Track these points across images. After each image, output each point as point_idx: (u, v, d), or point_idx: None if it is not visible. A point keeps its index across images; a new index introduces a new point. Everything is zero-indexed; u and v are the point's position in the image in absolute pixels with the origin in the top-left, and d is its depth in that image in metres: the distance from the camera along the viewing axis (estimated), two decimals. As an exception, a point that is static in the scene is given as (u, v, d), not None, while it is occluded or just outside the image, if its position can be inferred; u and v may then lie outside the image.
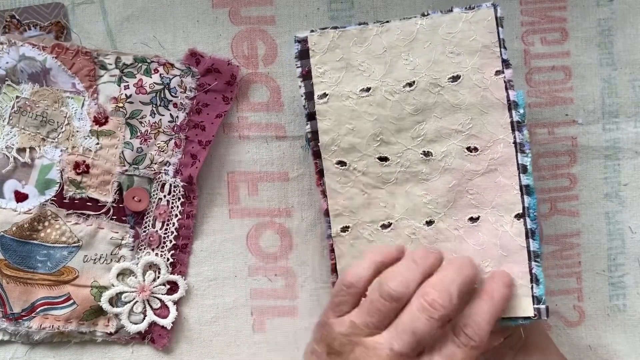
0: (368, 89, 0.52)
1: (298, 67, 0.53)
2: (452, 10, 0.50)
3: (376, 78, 0.51)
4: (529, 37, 0.58)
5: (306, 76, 0.53)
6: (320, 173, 0.53)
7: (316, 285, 0.58)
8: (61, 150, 0.57)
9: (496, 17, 0.50)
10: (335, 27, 0.52)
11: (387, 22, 0.51)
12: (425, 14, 0.51)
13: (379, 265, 0.48)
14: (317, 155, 0.53)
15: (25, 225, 0.56)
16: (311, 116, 0.53)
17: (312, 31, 0.52)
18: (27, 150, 0.57)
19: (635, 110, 0.58)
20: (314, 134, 0.53)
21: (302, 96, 0.53)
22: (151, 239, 0.58)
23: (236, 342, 0.59)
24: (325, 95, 0.52)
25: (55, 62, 0.56)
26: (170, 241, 0.58)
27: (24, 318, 0.57)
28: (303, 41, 0.52)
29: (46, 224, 0.57)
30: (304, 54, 0.52)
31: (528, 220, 0.50)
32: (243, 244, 0.59)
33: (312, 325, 0.58)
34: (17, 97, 0.56)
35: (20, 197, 0.57)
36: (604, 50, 0.58)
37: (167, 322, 0.57)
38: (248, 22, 0.58)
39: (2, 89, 0.57)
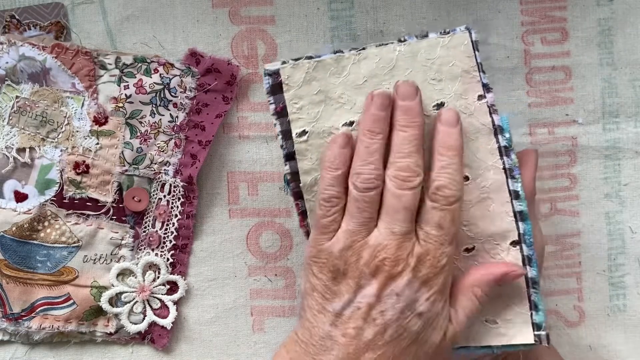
0: (351, 123, 0.49)
1: (271, 103, 0.49)
2: (427, 35, 0.49)
3: (359, 111, 0.49)
4: (529, 37, 0.58)
5: (281, 113, 0.49)
6: (304, 214, 0.50)
7: (316, 285, 0.58)
8: (61, 150, 0.57)
9: (472, 41, 0.48)
10: (310, 57, 0.49)
11: (364, 49, 0.49)
12: (402, 39, 0.49)
13: (342, 163, 0.48)
14: (298, 196, 0.50)
15: (25, 225, 0.56)
16: (289, 156, 0.49)
17: (283, 62, 0.48)
18: (27, 150, 0.57)
19: (636, 110, 0.58)
20: (294, 174, 0.49)
21: (278, 135, 0.49)
22: (151, 239, 0.58)
23: (236, 342, 0.59)
24: (304, 132, 0.49)
25: (55, 62, 0.56)
26: (170, 241, 0.58)
27: (23, 318, 0.57)
28: (274, 74, 0.48)
29: (46, 224, 0.57)
30: (276, 89, 0.49)
31: (524, 246, 0.49)
32: (243, 244, 0.59)
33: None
34: (17, 97, 0.56)
35: (20, 197, 0.57)
36: (604, 50, 0.58)
37: (167, 322, 0.57)
38: (248, 22, 0.58)
39: (2, 89, 0.57)
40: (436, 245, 0.46)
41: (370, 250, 0.46)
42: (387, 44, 0.49)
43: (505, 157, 0.49)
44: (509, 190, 0.49)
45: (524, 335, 0.49)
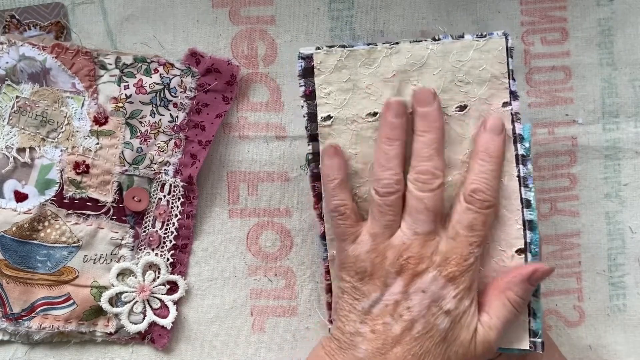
0: (375, 114, 0.50)
1: (301, 85, 0.50)
2: (463, 37, 0.49)
3: (383, 103, 0.49)
4: (529, 37, 0.58)
5: (309, 96, 0.50)
6: (319, 196, 0.51)
7: (316, 285, 0.58)
8: (61, 150, 0.57)
9: (507, 47, 0.49)
10: (343, 46, 0.50)
11: (397, 43, 0.49)
12: (437, 38, 0.49)
13: (337, 172, 0.50)
14: (316, 177, 0.51)
15: (25, 225, 0.56)
16: (313, 137, 0.51)
17: (317, 48, 0.50)
18: (27, 150, 0.57)
19: (636, 110, 0.58)
20: (315, 155, 0.51)
21: (304, 116, 0.51)
22: (151, 239, 0.58)
23: (236, 342, 0.59)
24: (329, 117, 0.50)
25: (55, 62, 0.56)
26: (170, 241, 0.58)
27: (23, 318, 0.57)
28: (307, 58, 0.50)
29: (46, 224, 0.57)
30: (307, 72, 0.50)
31: (529, 255, 0.49)
32: (243, 244, 0.59)
33: (312, 325, 0.58)
34: (17, 97, 0.56)
35: (20, 197, 0.57)
36: (604, 50, 0.58)
37: (167, 322, 0.57)
38: (248, 22, 0.58)
39: (2, 89, 0.57)
40: (464, 245, 0.48)
41: (394, 250, 0.48)
42: (420, 41, 0.50)
43: (521, 166, 0.49)
44: (521, 199, 0.49)
45: (520, 341, 0.49)
